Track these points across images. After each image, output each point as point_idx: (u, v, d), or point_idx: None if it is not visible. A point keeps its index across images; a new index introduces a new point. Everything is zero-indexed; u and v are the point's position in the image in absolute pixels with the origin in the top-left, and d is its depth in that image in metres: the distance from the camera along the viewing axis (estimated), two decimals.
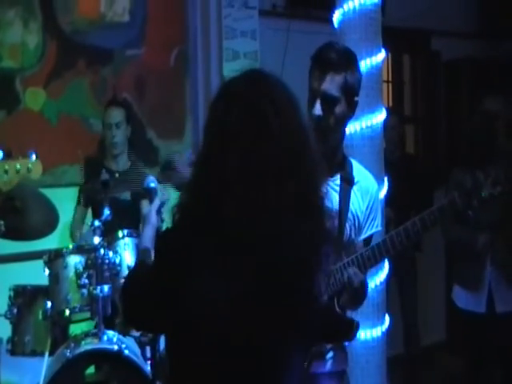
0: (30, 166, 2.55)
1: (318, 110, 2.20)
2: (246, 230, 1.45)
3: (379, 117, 3.39)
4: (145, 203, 4.10)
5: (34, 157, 2.59)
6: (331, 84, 2.21)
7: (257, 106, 1.50)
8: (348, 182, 2.29)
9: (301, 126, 1.56)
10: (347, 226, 2.27)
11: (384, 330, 3.35)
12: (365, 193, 2.33)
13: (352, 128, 3.32)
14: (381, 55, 3.41)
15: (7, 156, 2.52)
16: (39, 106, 4.18)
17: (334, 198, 2.19)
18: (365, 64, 3.32)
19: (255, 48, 4.65)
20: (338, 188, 2.28)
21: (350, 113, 2.29)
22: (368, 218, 2.33)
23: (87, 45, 4.33)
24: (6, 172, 2.49)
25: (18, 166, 2.51)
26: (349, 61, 2.27)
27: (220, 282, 1.46)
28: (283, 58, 4.60)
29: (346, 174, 2.31)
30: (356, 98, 2.29)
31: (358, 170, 2.37)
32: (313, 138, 1.59)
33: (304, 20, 4.96)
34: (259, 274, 1.46)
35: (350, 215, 2.27)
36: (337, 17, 3.43)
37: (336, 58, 2.23)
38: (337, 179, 2.29)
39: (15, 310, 3.38)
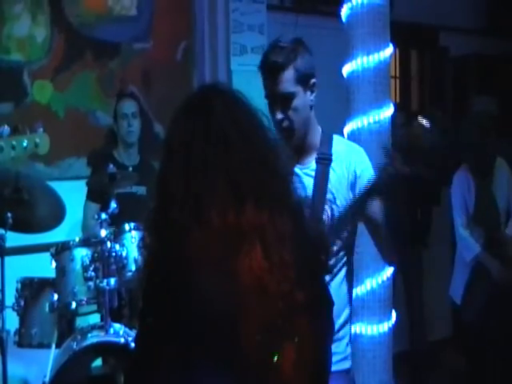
0: (37, 140, 2.48)
1: (278, 114, 2.19)
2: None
3: (387, 112, 3.38)
4: None
5: (41, 130, 2.51)
6: (285, 83, 2.18)
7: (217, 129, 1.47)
8: (324, 161, 2.26)
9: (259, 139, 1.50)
10: (326, 208, 2.22)
11: (391, 325, 3.35)
12: (346, 163, 2.27)
13: (360, 123, 3.32)
14: (389, 50, 3.40)
15: (14, 131, 2.47)
16: (46, 99, 4.18)
17: (308, 184, 2.19)
18: (372, 59, 3.32)
19: (263, 42, 4.63)
20: (313, 173, 2.25)
21: (312, 96, 2.25)
22: (353, 184, 2.26)
23: (94, 38, 4.33)
24: (13, 148, 2.40)
25: (26, 142, 2.45)
26: (293, 51, 2.21)
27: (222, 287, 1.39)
28: None
29: (321, 154, 2.27)
30: (313, 80, 2.24)
31: (339, 143, 2.33)
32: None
33: (312, 15, 4.94)
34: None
35: (328, 196, 2.23)
36: (345, 11, 3.42)
37: (279, 57, 2.18)
38: (311, 163, 2.26)
39: (22, 302, 3.38)
